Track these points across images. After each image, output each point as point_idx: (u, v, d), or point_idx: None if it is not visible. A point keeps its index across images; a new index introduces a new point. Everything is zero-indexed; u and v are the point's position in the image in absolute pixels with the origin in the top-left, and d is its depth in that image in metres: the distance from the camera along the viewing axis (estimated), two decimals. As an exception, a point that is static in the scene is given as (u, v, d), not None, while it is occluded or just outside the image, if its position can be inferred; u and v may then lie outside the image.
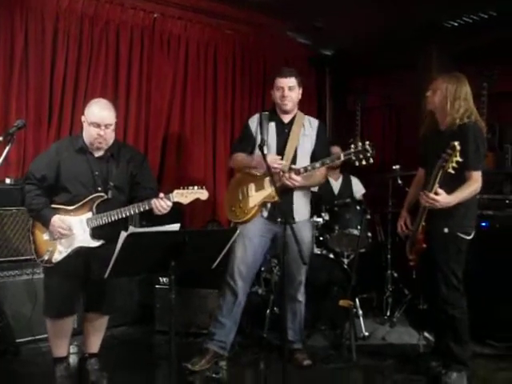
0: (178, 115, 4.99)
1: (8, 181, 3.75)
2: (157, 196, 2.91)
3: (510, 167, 4.59)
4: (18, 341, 3.59)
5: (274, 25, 5.37)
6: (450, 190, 2.98)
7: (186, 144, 5.07)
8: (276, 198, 3.26)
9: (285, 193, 3.28)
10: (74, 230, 2.94)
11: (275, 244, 3.50)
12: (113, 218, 2.92)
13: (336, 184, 4.97)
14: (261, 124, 3.34)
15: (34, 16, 4.13)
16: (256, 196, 3.40)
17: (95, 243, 2.95)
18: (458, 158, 2.80)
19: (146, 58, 4.76)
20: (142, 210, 2.92)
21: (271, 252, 3.84)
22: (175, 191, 2.88)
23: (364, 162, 3.09)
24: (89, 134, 2.98)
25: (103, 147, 3.01)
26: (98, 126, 2.93)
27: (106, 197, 2.98)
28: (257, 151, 3.34)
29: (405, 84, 5.57)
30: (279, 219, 3.22)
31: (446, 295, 3.10)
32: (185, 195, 2.89)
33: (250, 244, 3.42)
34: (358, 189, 5.06)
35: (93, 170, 3.01)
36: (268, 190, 3.35)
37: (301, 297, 3.54)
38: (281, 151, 3.39)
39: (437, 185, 2.93)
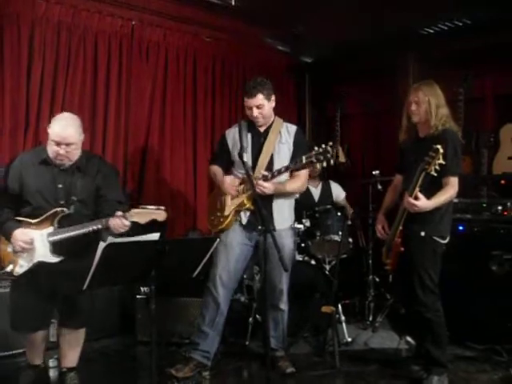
0: (157, 124, 4.97)
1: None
2: (127, 209, 2.79)
3: (486, 171, 4.67)
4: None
5: (253, 32, 5.39)
6: (428, 195, 3.03)
7: (166, 153, 5.04)
8: (248, 205, 3.28)
9: (264, 200, 3.27)
10: (35, 243, 2.85)
11: (257, 251, 3.49)
12: (71, 234, 2.84)
13: (316, 191, 4.98)
14: (240, 132, 3.34)
15: (9, 23, 4.07)
16: (231, 204, 3.42)
17: (54, 259, 2.86)
18: (441, 161, 2.87)
19: (125, 66, 4.73)
20: (99, 227, 2.81)
21: (253, 259, 3.83)
22: (132, 210, 2.74)
23: (325, 164, 3.06)
24: (50, 149, 2.90)
25: (65, 164, 2.93)
26: (58, 144, 2.85)
27: (67, 211, 2.89)
28: (237, 159, 3.35)
29: (383, 90, 5.64)
30: (259, 227, 3.22)
31: (422, 298, 3.14)
32: (142, 215, 2.75)
33: (231, 252, 3.41)
34: (339, 192, 5.08)
35: (56, 183, 2.92)
36: (241, 198, 3.36)
37: (283, 305, 3.53)
38: (255, 161, 3.40)
39: (417, 189, 2.97)
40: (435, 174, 2.92)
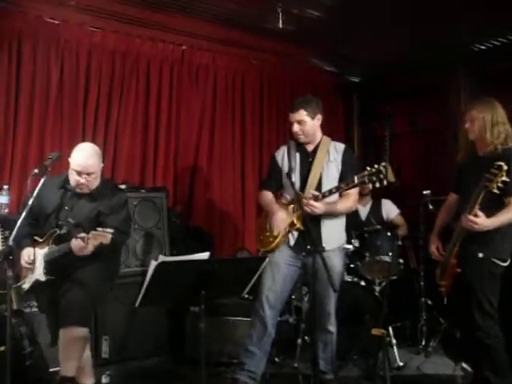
0: (206, 146, 5.07)
1: (22, 210, 3.81)
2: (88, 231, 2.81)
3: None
4: (51, 370, 3.60)
5: (300, 53, 5.44)
6: (488, 215, 2.92)
7: (215, 174, 5.13)
8: (298, 226, 3.26)
9: (312, 220, 3.26)
10: (36, 263, 2.98)
11: (305, 272, 3.46)
12: (55, 255, 2.94)
13: (364, 210, 4.91)
14: (288, 152, 3.35)
15: (68, 51, 4.30)
16: (283, 222, 3.39)
17: (43, 277, 2.97)
18: (505, 178, 2.78)
19: (176, 89, 4.87)
20: (63, 250, 2.88)
21: (302, 280, 3.80)
22: (92, 232, 2.76)
23: (378, 185, 3.01)
24: (71, 178, 3.03)
25: (85, 191, 3.05)
26: (79, 173, 2.97)
27: (58, 232, 2.98)
28: (285, 180, 3.36)
29: (433, 108, 5.54)
30: (308, 247, 3.20)
31: (480, 323, 3.01)
32: (95, 237, 2.75)
33: (278, 273, 3.40)
34: (390, 210, 4.95)
35: (64, 205, 3.04)
36: (291, 218, 3.35)
37: (332, 327, 3.47)
38: (304, 180, 3.39)
39: (477, 206, 2.88)
40: (497, 192, 2.81)
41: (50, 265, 2.97)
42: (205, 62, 5.06)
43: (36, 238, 3.07)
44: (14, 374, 2.62)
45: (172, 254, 4.18)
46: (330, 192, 3.24)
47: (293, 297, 4.20)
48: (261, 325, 3.38)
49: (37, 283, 3.00)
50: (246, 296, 3.60)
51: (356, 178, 3.10)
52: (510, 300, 3.20)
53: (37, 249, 3.01)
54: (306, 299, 4.14)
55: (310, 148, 3.47)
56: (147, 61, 4.71)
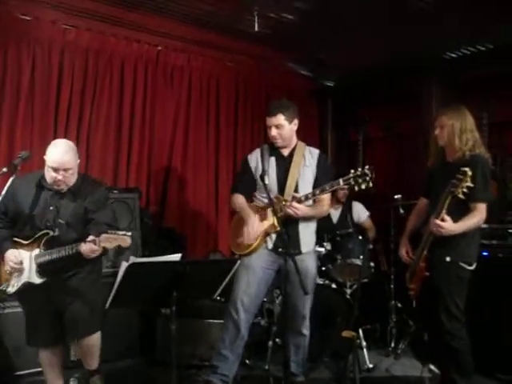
0: (180, 147, 5.05)
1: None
2: (98, 234, 2.80)
3: (512, 196, 4.60)
4: (17, 373, 3.55)
5: (275, 57, 5.46)
6: (455, 219, 2.99)
7: (189, 176, 5.11)
8: (278, 228, 3.27)
9: (290, 223, 3.28)
10: (24, 264, 2.94)
11: (279, 275, 3.47)
12: (52, 257, 2.90)
13: (335, 213, 4.96)
14: (262, 155, 3.36)
15: (40, 49, 4.23)
16: (260, 227, 3.39)
17: (38, 280, 2.93)
18: (469, 184, 2.84)
19: (150, 89, 4.84)
20: (70, 253, 2.84)
21: (274, 283, 3.81)
22: (103, 235, 2.75)
23: (363, 186, 3.07)
24: (48, 175, 2.97)
25: (63, 189, 3.00)
26: (56, 170, 2.92)
27: (52, 234, 2.95)
28: (260, 183, 3.36)
29: (406, 114, 5.63)
30: (279, 249, 3.20)
31: (447, 326, 3.07)
32: (110, 240, 2.74)
33: (253, 276, 3.39)
34: (361, 213, 5.05)
35: (47, 206, 2.99)
36: (270, 221, 3.35)
37: (305, 330, 3.49)
38: (282, 185, 3.39)
39: (444, 211, 2.94)
40: (463, 197, 2.88)
41: (44, 267, 2.92)
42: (180, 63, 5.04)
43: (17, 239, 2.99)
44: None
45: (144, 255, 4.15)
46: (314, 194, 3.26)
47: (264, 299, 4.20)
48: (234, 328, 3.37)
49: (27, 286, 2.94)
50: (218, 298, 3.61)
51: (341, 180, 3.13)
52: (475, 303, 3.27)
53: (22, 251, 2.96)
54: (277, 302, 4.16)
55: (285, 152, 3.48)
56: (121, 60, 4.66)
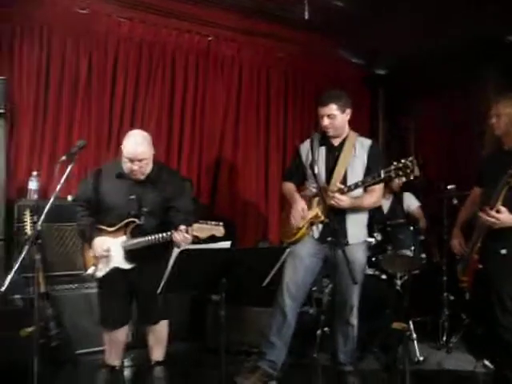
0: (230, 137, 5.10)
1: (70, 198, 3.93)
2: (190, 224, 2.95)
3: None
4: (77, 352, 3.72)
5: (325, 45, 5.40)
6: (510, 211, 2.88)
7: (239, 165, 5.16)
8: (322, 218, 3.27)
9: (337, 214, 3.26)
10: (111, 251, 3.10)
11: (327, 264, 3.47)
12: (140, 245, 3.04)
13: (386, 203, 4.88)
14: (312, 144, 3.35)
15: (97, 42, 4.38)
16: (305, 213, 3.39)
17: (127, 266, 3.09)
18: None
19: (201, 80, 4.91)
20: (162, 241, 2.98)
21: (323, 272, 3.80)
22: (195, 225, 2.87)
23: (404, 179, 3.01)
24: (125, 166, 3.10)
25: (139, 178, 3.12)
26: (132, 160, 3.04)
27: (137, 222, 3.08)
28: (309, 173, 3.36)
29: (459, 104, 5.46)
30: (328, 239, 3.20)
31: (500, 319, 2.98)
32: (202, 230, 2.88)
33: (300, 264, 3.41)
34: (411, 203, 4.95)
35: (128, 194, 3.11)
36: (315, 210, 3.35)
37: (354, 320, 3.46)
38: (329, 174, 3.38)
39: (500, 202, 2.85)
40: None
41: (133, 253, 3.08)
42: (230, 53, 5.07)
43: (102, 227, 3.14)
44: (42, 355, 2.70)
45: (193, 242, 4.23)
46: (356, 186, 3.23)
47: (313, 289, 4.21)
48: (281, 315, 3.40)
49: (115, 271, 3.10)
50: (268, 286, 3.64)
51: (382, 172, 3.08)
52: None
53: (107, 238, 3.12)
54: (326, 291, 4.15)
55: (336, 142, 3.46)
56: (173, 51, 4.75)
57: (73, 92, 4.30)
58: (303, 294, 3.51)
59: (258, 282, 2.73)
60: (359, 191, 3.35)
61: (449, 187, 4.45)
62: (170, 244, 3.01)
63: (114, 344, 3.29)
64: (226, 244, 2.54)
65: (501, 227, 2.90)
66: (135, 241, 3.06)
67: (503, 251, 2.97)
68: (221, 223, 2.89)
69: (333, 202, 3.19)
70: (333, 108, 3.34)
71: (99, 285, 3.27)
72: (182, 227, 2.92)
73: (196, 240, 2.93)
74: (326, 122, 3.36)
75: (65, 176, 2.89)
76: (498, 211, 2.86)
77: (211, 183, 5.03)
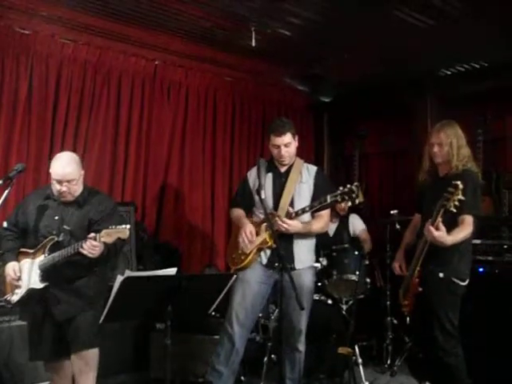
0: (176, 162, 5.05)
1: (5, 224, 3.73)
2: (99, 230, 2.86)
3: (508, 213, 4.61)
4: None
5: (272, 72, 5.49)
6: (448, 233, 2.98)
7: (185, 191, 5.10)
8: (270, 244, 3.27)
9: (285, 240, 3.27)
10: (24, 275, 3.01)
11: (275, 290, 3.45)
12: (54, 260, 2.95)
13: (332, 226, 4.95)
14: (258, 170, 3.37)
15: (38, 63, 4.24)
16: (253, 239, 3.38)
17: (40, 285, 2.99)
18: (461, 197, 2.84)
19: (147, 104, 4.85)
20: (73, 251, 2.88)
21: (270, 298, 3.79)
22: (103, 231, 2.81)
23: (350, 203, 3.08)
24: (53, 188, 3.06)
25: (69, 199, 3.07)
26: (60, 182, 2.99)
27: (56, 239, 3.01)
28: (256, 199, 3.37)
29: (401, 130, 5.68)
30: (276, 264, 3.19)
31: (440, 342, 3.06)
32: (109, 234, 2.81)
33: (248, 290, 3.38)
34: (357, 225, 5.02)
35: (53, 215, 3.07)
36: (263, 236, 3.35)
37: (301, 346, 3.45)
38: (277, 201, 3.40)
39: (440, 219, 2.93)
40: (454, 210, 2.88)
41: (47, 272, 2.98)
42: (177, 77, 5.06)
43: (24, 249, 3.08)
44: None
45: (138, 269, 4.13)
46: (303, 210, 3.26)
47: (260, 315, 4.17)
48: (229, 342, 3.35)
49: (31, 292, 2.99)
50: (214, 313, 3.58)
51: (329, 197, 3.13)
52: (471, 320, 3.26)
53: (28, 259, 3.03)
54: (273, 317, 4.13)
55: (283, 169, 3.49)
56: (119, 74, 4.68)
57: (11, 114, 4.13)
58: (252, 321, 3.48)
59: (204, 309, 2.69)
60: (307, 216, 3.38)
61: (392, 212, 4.58)
62: (92, 267, 2.99)
63: (58, 377, 3.14)
64: (172, 271, 2.49)
65: (438, 250, 2.98)
66: (50, 257, 2.95)
67: (441, 275, 3.07)
68: (128, 226, 2.82)
69: (282, 228, 3.20)
70: (289, 136, 3.37)
71: (20, 314, 3.17)
72: (91, 235, 2.84)
73: (105, 248, 2.86)
74: (283, 151, 3.38)
75: (1, 201, 2.78)
76: (437, 228, 2.94)
77: (156, 208, 4.94)
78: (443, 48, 4.50)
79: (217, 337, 3.55)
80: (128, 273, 2.32)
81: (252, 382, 3.93)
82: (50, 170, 3.03)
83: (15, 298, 3.03)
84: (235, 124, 5.53)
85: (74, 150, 4.34)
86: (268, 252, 3.39)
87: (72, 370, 3.12)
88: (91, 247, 2.82)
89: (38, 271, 3.00)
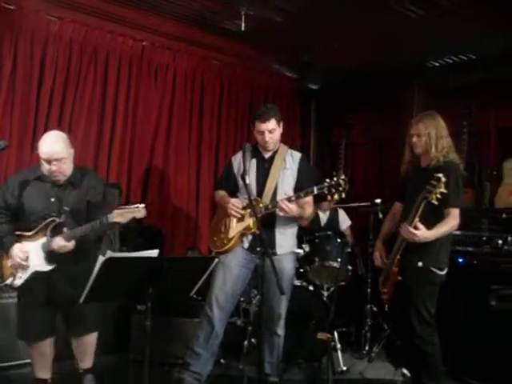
0: (162, 143, 5.02)
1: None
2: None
3: (488, 204, 4.67)
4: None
5: (261, 57, 5.48)
6: (428, 226, 3.02)
7: (170, 173, 5.08)
8: (253, 230, 3.29)
9: (267, 226, 3.28)
10: (30, 257, 2.98)
11: (256, 275, 3.48)
12: (78, 235, 2.94)
13: (324, 217, 5.00)
14: (244, 155, 3.37)
15: (23, 40, 4.16)
16: (236, 227, 3.41)
17: (48, 267, 2.97)
18: (443, 190, 2.87)
19: (134, 85, 4.80)
20: (98, 227, 2.89)
21: (252, 283, 3.82)
22: (115, 211, 2.82)
23: (336, 196, 3.10)
24: (43, 168, 3.01)
25: (60, 179, 3.04)
26: (48, 161, 2.95)
27: (58, 220, 2.99)
28: (241, 183, 3.37)
29: (388, 119, 5.70)
30: (258, 249, 3.21)
31: (417, 330, 3.11)
32: (123, 215, 2.82)
33: (229, 274, 3.41)
34: (344, 221, 5.12)
35: (49, 197, 3.03)
36: (247, 222, 3.36)
37: (280, 331, 3.49)
38: (260, 187, 3.41)
39: (417, 218, 2.97)
40: (436, 203, 2.91)
41: (53, 253, 2.95)
42: (165, 59, 5.01)
43: (20, 232, 3.02)
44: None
45: (121, 251, 4.12)
46: (298, 196, 3.25)
47: (241, 299, 4.20)
48: (208, 325, 3.38)
49: (34, 275, 2.97)
50: (195, 296, 3.60)
51: (315, 188, 3.14)
52: (449, 309, 3.32)
53: (26, 243, 2.99)
54: (254, 302, 4.16)
55: (267, 155, 3.50)
56: (106, 54, 4.61)
57: (-5, 90, 4.07)
58: (232, 304, 3.50)
59: (185, 291, 2.70)
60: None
61: (376, 201, 4.61)
62: (94, 246, 3.00)
63: (41, 357, 3.14)
64: (154, 252, 2.49)
65: (419, 242, 3.03)
66: (75, 230, 2.91)
67: (419, 264, 3.11)
68: (141, 205, 2.82)
69: (281, 212, 3.22)
70: (273, 123, 3.38)
71: (19, 294, 3.11)
72: (65, 230, 2.89)
73: (118, 226, 2.89)
74: (267, 137, 3.39)
75: (5, 184, 2.76)
76: (415, 227, 2.99)
77: (141, 190, 4.92)
78: (433, 39, 4.53)
79: (198, 320, 3.57)
80: (110, 253, 2.32)
81: (231, 364, 3.97)
82: (38, 150, 2.98)
83: (18, 281, 2.99)
84: (222, 108, 5.51)
85: (59, 128, 4.32)
86: (250, 237, 3.41)
87: (74, 350, 3.20)
88: (61, 246, 2.88)
89: (42, 254, 2.97)
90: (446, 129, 3.21)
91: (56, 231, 2.97)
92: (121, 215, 2.81)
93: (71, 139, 4.35)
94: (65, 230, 2.93)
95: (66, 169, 3.03)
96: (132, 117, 4.81)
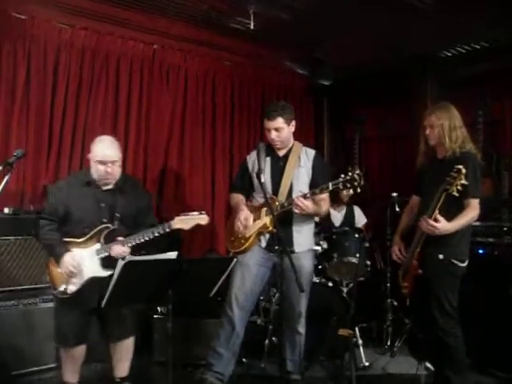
0: (176, 146, 5.03)
1: (6, 210, 3.75)
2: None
3: (507, 194, 4.61)
4: (13, 373, 3.53)
5: (272, 55, 5.46)
6: (448, 217, 2.99)
7: (185, 175, 5.09)
8: (270, 228, 3.28)
9: (284, 224, 3.29)
10: (82, 264, 3.00)
11: (275, 273, 3.48)
12: (137, 241, 3.02)
13: (339, 215, 4.99)
14: (258, 154, 3.37)
15: (36, 49, 4.21)
16: (253, 226, 3.41)
17: (105, 273, 2.98)
18: (464, 181, 2.85)
19: (146, 89, 4.82)
20: (158, 234, 3.02)
21: (271, 281, 3.82)
22: (176, 218, 2.92)
23: (352, 192, 3.10)
24: (96, 171, 3.07)
25: (111, 182, 3.12)
26: (104, 163, 3.03)
27: (111, 227, 3.05)
28: (256, 182, 3.37)
29: (402, 113, 5.64)
30: (276, 247, 3.21)
31: (440, 322, 3.09)
32: (186, 221, 2.93)
33: (248, 273, 3.41)
34: (360, 219, 5.10)
35: (99, 203, 3.09)
36: (264, 220, 3.36)
37: (301, 328, 3.50)
38: (276, 186, 3.42)
39: (437, 211, 2.95)
40: (457, 195, 2.89)
41: (108, 259, 2.99)
42: (176, 61, 5.02)
43: (70, 239, 3.06)
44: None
45: (140, 254, 4.15)
46: (313, 193, 3.25)
47: (261, 298, 4.21)
48: (229, 325, 3.39)
49: (90, 282, 3.00)
50: (216, 297, 3.61)
51: (331, 184, 3.13)
52: (471, 301, 3.28)
53: (77, 249, 3.02)
54: (274, 300, 4.16)
55: (281, 153, 3.50)
56: (117, 59, 4.64)
57: (10, 100, 4.10)
58: (252, 303, 3.51)
59: (205, 292, 2.71)
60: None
61: (392, 195, 4.58)
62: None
63: (72, 361, 3.18)
64: (173, 255, 2.50)
65: (440, 234, 3.00)
66: (133, 236, 2.99)
67: (440, 256, 3.08)
68: (203, 212, 2.94)
69: (297, 206, 3.20)
70: (280, 121, 3.37)
71: (61, 300, 3.08)
72: (120, 238, 2.93)
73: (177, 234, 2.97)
74: (273, 135, 3.39)
75: (1, 187, 2.78)
76: (435, 220, 2.96)
77: (156, 193, 4.93)
78: (443, 29, 4.47)
79: (217, 320, 3.58)
80: (129, 257, 2.34)
81: (253, 363, 3.97)
82: (92, 152, 3.07)
83: (73, 287, 3.01)
84: (235, 108, 5.51)
85: (73, 137, 4.38)
86: (267, 235, 3.41)
87: (113, 354, 3.22)
88: (120, 252, 2.95)
89: (97, 260, 3.02)
90: (461, 119, 3.18)
91: (109, 238, 3.02)
92: (183, 222, 2.91)
93: (85, 145, 4.47)
94: (120, 238, 2.97)
95: (118, 172, 3.12)
96: (145, 120, 4.83)
